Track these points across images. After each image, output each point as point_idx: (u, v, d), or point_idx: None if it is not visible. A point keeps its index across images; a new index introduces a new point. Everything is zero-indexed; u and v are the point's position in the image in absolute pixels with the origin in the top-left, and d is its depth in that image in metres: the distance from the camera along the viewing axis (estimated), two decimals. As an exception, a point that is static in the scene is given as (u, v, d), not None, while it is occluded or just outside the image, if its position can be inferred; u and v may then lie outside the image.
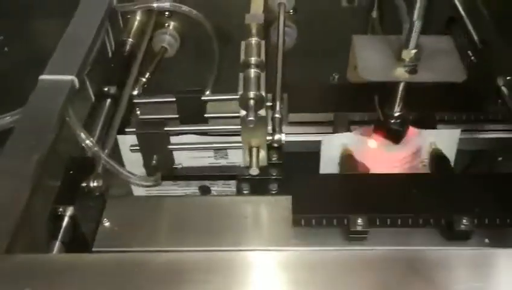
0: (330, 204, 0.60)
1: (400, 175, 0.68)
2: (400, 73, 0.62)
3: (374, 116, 0.70)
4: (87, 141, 0.60)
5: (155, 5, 0.78)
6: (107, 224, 0.61)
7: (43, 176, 0.53)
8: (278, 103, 0.62)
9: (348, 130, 0.74)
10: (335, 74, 0.89)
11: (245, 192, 0.65)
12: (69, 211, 0.56)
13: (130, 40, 0.78)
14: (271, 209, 0.61)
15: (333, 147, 0.70)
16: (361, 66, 0.63)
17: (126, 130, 0.65)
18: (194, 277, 0.44)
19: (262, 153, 0.61)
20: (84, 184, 0.58)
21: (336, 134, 0.71)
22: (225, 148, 0.66)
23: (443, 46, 0.65)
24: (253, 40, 0.64)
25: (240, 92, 0.58)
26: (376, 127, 0.70)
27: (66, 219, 0.56)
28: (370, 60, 0.63)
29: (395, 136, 0.68)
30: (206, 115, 0.70)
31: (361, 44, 0.66)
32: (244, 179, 0.65)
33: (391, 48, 0.64)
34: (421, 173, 0.70)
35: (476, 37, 0.77)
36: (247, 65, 0.60)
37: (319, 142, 0.70)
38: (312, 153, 0.72)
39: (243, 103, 0.57)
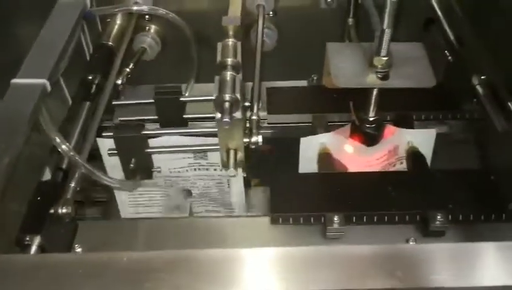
0: (307, 203, 0.58)
1: (376, 173, 0.67)
2: (372, 79, 0.61)
3: (351, 117, 0.69)
4: (63, 146, 0.57)
5: (134, 8, 0.75)
6: (78, 250, 0.57)
7: (14, 180, 0.51)
8: (255, 105, 0.59)
9: (327, 130, 0.72)
10: (314, 75, 0.86)
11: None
12: (37, 240, 0.53)
13: (110, 43, 0.75)
14: (250, 230, 0.59)
15: (312, 148, 0.68)
16: (334, 73, 0.61)
17: (103, 134, 0.62)
18: (159, 275, 0.41)
19: (240, 155, 0.59)
20: (52, 211, 0.55)
21: (314, 136, 0.69)
22: (204, 151, 0.63)
23: (414, 53, 0.64)
24: (230, 41, 0.61)
25: (215, 95, 0.55)
26: (352, 130, 0.68)
27: (33, 248, 0.53)
28: (343, 67, 0.62)
29: (371, 139, 0.67)
30: (185, 116, 0.67)
31: (335, 51, 0.64)
32: None
33: (364, 55, 0.63)
34: (397, 171, 0.69)
35: (452, 37, 0.75)
36: (223, 66, 0.58)
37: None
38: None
39: (219, 105, 0.55)
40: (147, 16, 0.80)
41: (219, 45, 0.61)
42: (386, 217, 0.57)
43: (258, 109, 0.59)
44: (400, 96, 0.68)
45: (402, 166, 0.71)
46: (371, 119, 0.66)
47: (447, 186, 0.61)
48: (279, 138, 0.74)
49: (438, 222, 0.56)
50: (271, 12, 0.80)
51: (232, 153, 0.58)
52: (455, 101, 0.75)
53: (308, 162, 0.69)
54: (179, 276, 0.41)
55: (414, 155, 0.68)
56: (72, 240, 0.58)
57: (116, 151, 0.61)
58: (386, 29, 0.58)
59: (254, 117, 0.58)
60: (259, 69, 0.65)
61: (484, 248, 0.43)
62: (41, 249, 0.53)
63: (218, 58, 0.59)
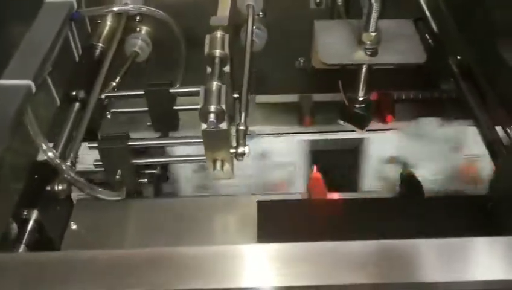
0: (295, 231, 0.54)
1: (367, 200, 0.61)
2: (361, 56, 0.57)
3: (337, 97, 0.64)
4: (50, 154, 0.53)
5: (122, 8, 0.70)
6: (74, 227, 0.57)
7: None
8: (242, 115, 0.55)
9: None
10: (301, 58, 0.80)
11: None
12: (34, 214, 0.52)
13: (100, 44, 0.71)
14: (238, 209, 0.58)
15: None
16: (321, 50, 0.58)
17: (89, 145, 0.58)
18: (134, 272, 0.40)
19: (227, 166, 0.55)
20: (48, 188, 0.54)
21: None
22: (193, 162, 0.59)
23: (404, 29, 0.60)
24: (218, 33, 0.58)
25: (201, 105, 0.51)
26: (341, 112, 0.64)
27: (30, 223, 0.52)
28: (331, 44, 0.58)
29: (361, 121, 0.63)
30: (175, 108, 0.63)
31: (322, 28, 0.60)
32: None
33: (352, 32, 0.59)
34: (389, 197, 0.64)
35: (436, 31, 0.72)
36: (211, 58, 0.55)
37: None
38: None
39: (204, 116, 0.50)
40: (137, 17, 0.75)
41: (207, 37, 0.58)
42: None
43: (246, 119, 0.55)
44: (380, 77, 0.63)
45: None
46: (361, 99, 0.62)
47: (442, 213, 0.56)
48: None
49: None
50: (261, 13, 0.76)
51: (218, 164, 0.54)
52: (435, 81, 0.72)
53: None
54: (160, 273, 0.40)
55: (409, 180, 0.63)
56: (68, 217, 0.57)
57: (101, 163, 0.57)
58: (374, 4, 0.54)
59: (241, 127, 0.54)
60: (247, 72, 0.60)
61: (474, 243, 0.42)
62: (38, 224, 0.52)
63: (206, 50, 0.56)
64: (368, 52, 0.57)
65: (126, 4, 0.71)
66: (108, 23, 0.72)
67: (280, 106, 0.73)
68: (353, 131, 0.66)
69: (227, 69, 0.57)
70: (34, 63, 0.56)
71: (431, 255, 0.41)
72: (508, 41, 0.56)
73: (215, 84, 0.52)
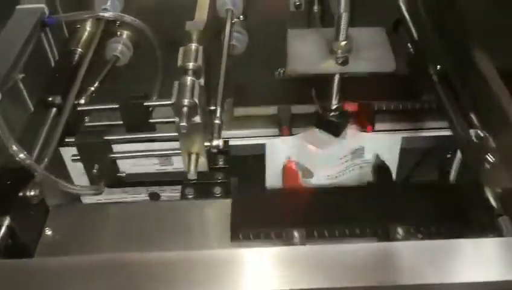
0: (269, 218, 0.54)
1: (340, 188, 0.62)
2: (331, 65, 0.56)
3: (315, 108, 0.64)
4: (21, 155, 0.52)
5: (92, 15, 0.69)
6: (49, 233, 0.55)
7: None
8: (218, 109, 0.55)
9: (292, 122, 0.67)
10: (280, 68, 0.79)
11: (189, 196, 0.59)
12: (6, 220, 0.50)
13: (79, 49, 0.70)
14: (216, 213, 0.56)
15: (277, 150, 0.63)
16: (291, 59, 0.57)
17: (66, 140, 0.57)
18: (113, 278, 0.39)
19: (202, 159, 0.54)
20: (21, 194, 0.52)
21: (279, 138, 0.64)
22: (169, 155, 0.58)
23: (375, 37, 0.59)
24: (193, 45, 0.57)
25: (174, 100, 0.50)
26: (317, 121, 0.64)
27: (3, 229, 0.50)
28: (302, 53, 0.57)
29: (335, 128, 0.62)
30: (151, 121, 0.61)
31: (295, 37, 0.59)
32: (189, 184, 0.58)
33: (325, 41, 0.58)
34: (361, 186, 0.64)
35: (415, 36, 0.71)
36: (184, 70, 0.53)
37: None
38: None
39: (177, 110, 0.50)
40: (117, 22, 0.74)
41: (181, 49, 0.57)
42: (347, 231, 0.53)
43: (222, 114, 0.54)
44: (360, 87, 0.64)
45: (364, 170, 0.66)
46: (334, 107, 0.61)
47: (410, 199, 0.56)
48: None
49: (399, 235, 0.52)
50: (241, 16, 0.75)
51: (193, 157, 0.53)
52: (416, 91, 0.70)
53: (274, 165, 0.64)
54: (141, 279, 0.39)
55: (379, 168, 0.63)
56: (43, 223, 0.56)
57: (79, 157, 0.55)
58: (343, 13, 0.54)
59: (217, 121, 0.53)
60: (223, 73, 0.60)
61: (466, 245, 0.42)
62: (11, 230, 0.51)
63: (179, 62, 0.55)
64: (339, 61, 0.56)
65: (104, 10, 0.70)
66: (88, 28, 0.71)
67: (259, 117, 0.71)
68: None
69: (201, 82, 0.55)
70: (0, 70, 0.55)
71: (428, 257, 0.40)
72: (478, 44, 0.56)
73: (189, 78, 0.51)
